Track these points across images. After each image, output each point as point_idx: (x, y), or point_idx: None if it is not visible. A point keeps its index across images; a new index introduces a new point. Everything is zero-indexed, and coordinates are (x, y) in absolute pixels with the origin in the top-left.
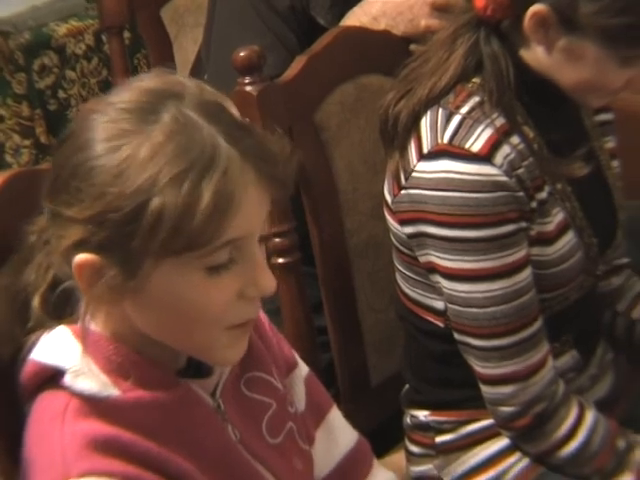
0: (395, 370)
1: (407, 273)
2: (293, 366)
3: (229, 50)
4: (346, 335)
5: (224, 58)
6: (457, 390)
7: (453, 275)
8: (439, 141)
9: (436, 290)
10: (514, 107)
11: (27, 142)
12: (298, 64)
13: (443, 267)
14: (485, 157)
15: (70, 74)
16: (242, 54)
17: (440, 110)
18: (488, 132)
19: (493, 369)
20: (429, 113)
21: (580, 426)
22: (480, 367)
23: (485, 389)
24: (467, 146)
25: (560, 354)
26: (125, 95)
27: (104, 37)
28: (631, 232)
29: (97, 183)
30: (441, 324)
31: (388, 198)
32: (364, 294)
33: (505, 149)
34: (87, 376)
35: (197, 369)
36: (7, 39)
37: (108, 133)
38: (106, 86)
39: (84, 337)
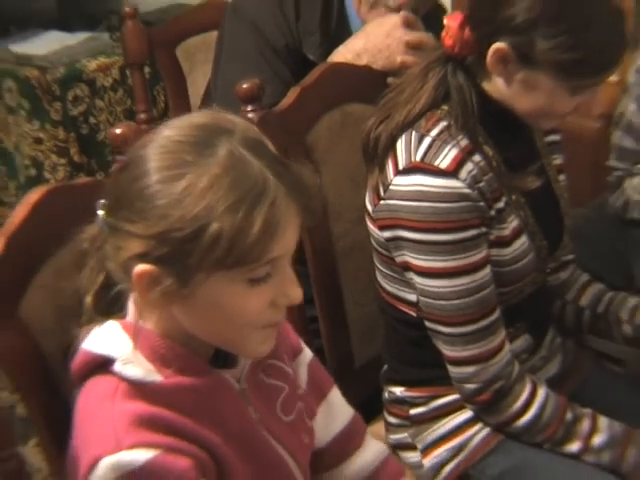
0: (375, 354)
1: (385, 271)
2: (298, 352)
3: (234, 82)
4: (334, 325)
5: (230, 89)
6: (428, 370)
7: (424, 272)
8: (412, 159)
9: (410, 285)
10: (477, 130)
11: (63, 161)
12: (292, 95)
13: (416, 266)
14: (452, 173)
15: (99, 103)
16: (245, 86)
17: (413, 133)
18: (454, 151)
19: (458, 352)
20: (404, 136)
21: (533, 401)
22: (447, 350)
23: (452, 369)
24: (436, 163)
25: (515, 338)
26: (180, 129)
27: (128, 72)
28: (575, 235)
29: (160, 205)
30: (414, 314)
31: (369, 208)
32: (349, 291)
33: (469, 166)
34: (135, 364)
35: (225, 359)
36: (45, 73)
37: (169, 162)
38: (130, 114)
39: (135, 332)
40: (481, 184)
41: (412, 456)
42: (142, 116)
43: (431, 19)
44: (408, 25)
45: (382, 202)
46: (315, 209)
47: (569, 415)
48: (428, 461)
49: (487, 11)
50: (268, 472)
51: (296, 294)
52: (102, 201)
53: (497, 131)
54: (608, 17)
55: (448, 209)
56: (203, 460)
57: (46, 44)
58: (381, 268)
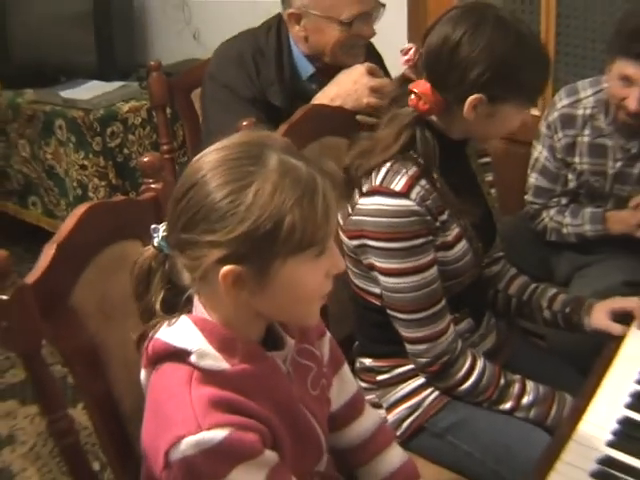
0: (348, 333)
1: (355, 270)
2: (323, 333)
3: (221, 128)
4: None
5: (214, 132)
6: (390, 345)
7: (385, 272)
8: (373, 184)
9: (375, 281)
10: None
11: (103, 183)
12: (282, 129)
13: (379, 267)
14: (404, 194)
15: (131, 137)
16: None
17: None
18: (405, 177)
19: (413, 333)
20: None
21: (473, 370)
22: (404, 332)
23: (408, 346)
24: (392, 187)
25: (459, 321)
26: (229, 149)
27: (153, 112)
28: (506, 237)
29: (237, 212)
30: (378, 303)
31: (340, 222)
32: None
33: (417, 188)
34: (206, 356)
35: (274, 342)
36: (88, 114)
37: (233, 176)
38: (155, 146)
39: (203, 325)
40: (428, 202)
41: (379, 413)
42: (165, 147)
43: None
44: (371, 73)
45: (350, 218)
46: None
47: (502, 380)
48: (391, 417)
49: (455, 77)
50: (303, 437)
51: (342, 264)
52: (156, 226)
53: (443, 160)
54: (540, 49)
55: (401, 223)
56: (264, 433)
57: (89, 91)
58: (352, 268)
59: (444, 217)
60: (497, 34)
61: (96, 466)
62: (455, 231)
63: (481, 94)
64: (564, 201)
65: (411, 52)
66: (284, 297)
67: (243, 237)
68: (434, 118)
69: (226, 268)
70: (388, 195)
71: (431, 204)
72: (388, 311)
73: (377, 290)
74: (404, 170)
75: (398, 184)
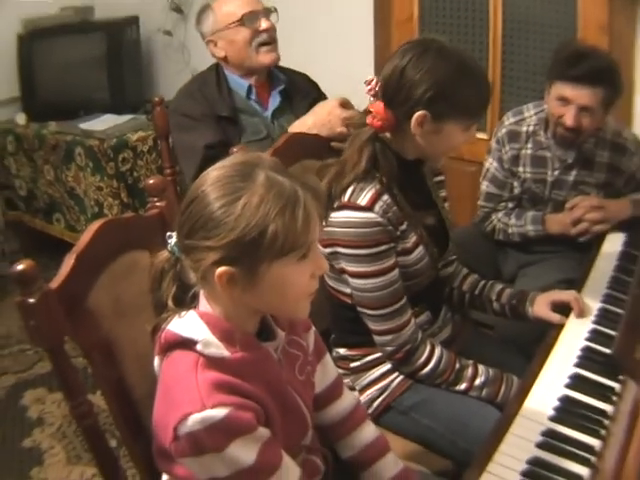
0: (325, 327)
1: (329, 273)
2: (309, 328)
3: (188, 147)
4: None
5: (186, 152)
6: (361, 337)
7: (354, 275)
8: (342, 200)
9: (345, 283)
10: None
11: (116, 202)
12: (268, 153)
13: (348, 270)
14: (368, 208)
15: (139, 162)
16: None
17: None
18: (370, 193)
19: (379, 326)
20: None
21: (432, 356)
22: (372, 325)
23: (375, 337)
24: (358, 201)
25: (419, 314)
26: (225, 169)
27: (158, 141)
28: (460, 242)
29: (228, 221)
30: (349, 301)
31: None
32: None
33: (380, 203)
34: (210, 345)
35: (267, 334)
36: (103, 143)
37: (225, 191)
38: (160, 169)
39: (208, 318)
40: (389, 214)
41: (354, 395)
42: (168, 171)
43: (303, 90)
44: (343, 106)
45: (324, 228)
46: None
47: (457, 365)
48: (363, 398)
49: (402, 95)
50: (291, 415)
51: (326, 265)
52: (170, 233)
53: (402, 178)
54: (480, 75)
55: (366, 232)
56: (259, 412)
57: (103, 123)
58: (327, 272)
59: (403, 227)
60: (440, 59)
61: (113, 443)
62: (413, 239)
63: (425, 111)
64: (510, 205)
65: (372, 83)
66: (273, 294)
67: (234, 243)
68: (388, 136)
69: (221, 269)
70: (355, 209)
71: (392, 216)
72: (358, 308)
73: (348, 290)
74: (368, 187)
75: (364, 199)
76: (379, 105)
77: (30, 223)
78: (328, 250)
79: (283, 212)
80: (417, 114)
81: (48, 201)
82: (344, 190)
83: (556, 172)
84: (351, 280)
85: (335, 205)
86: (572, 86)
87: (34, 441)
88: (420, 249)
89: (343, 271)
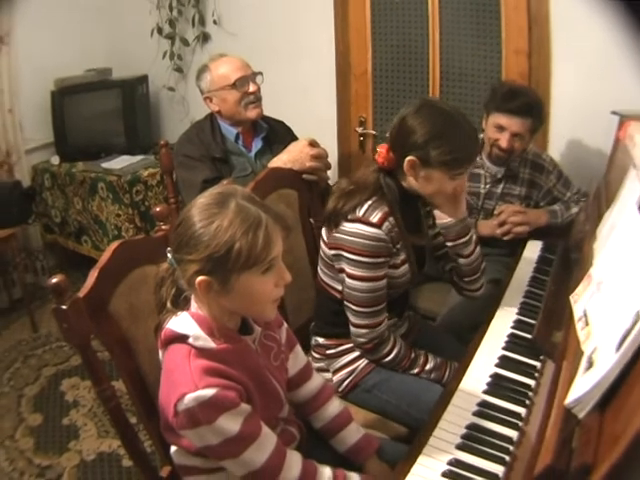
0: (304, 320)
1: (327, 271)
2: (281, 324)
3: (189, 183)
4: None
5: (189, 187)
6: (338, 329)
7: (351, 276)
8: (357, 214)
9: (339, 281)
10: (394, 207)
11: (131, 226)
12: (251, 186)
13: (347, 272)
14: (378, 225)
15: (150, 194)
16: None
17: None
18: (380, 214)
19: (358, 321)
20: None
21: (394, 348)
22: (352, 318)
23: (352, 329)
24: (370, 219)
25: (392, 317)
26: (206, 197)
27: (164, 176)
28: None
29: (204, 240)
30: (338, 296)
31: (324, 236)
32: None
33: (387, 223)
34: (199, 338)
35: (246, 329)
36: (120, 178)
37: (204, 215)
38: (166, 199)
39: (197, 318)
40: (392, 234)
41: (327, 375)
42: (172, 200)
43: (280, 135)
44: (312, 145)
45: (333, 234)
46: (289, 228)
47: (412, 354)
48: (335, 378)
49: (400, 140)
50: (269, 394)
51: (288, 277)
52: (169, 248)
53: (403, 206)
54: (468, 133)
55: (372, 245)
56: (241, 391)
57: (120, 162)
58: (324, 269)
59: (398, 246)
60: (434, 113)
61: (133, 420)
62: (402, 256)
63: (415, 156)
64: None
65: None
66: (242, 300)
67: (207, 257)
68: (395, 174)
69: (200, 278)
70: (367, 224)
71: (393, 235)
72: (345, 302)
73: (339, 287)
74: (380, 208)
75: (375, 217)
76: (384, 146)
77: (64, 244)
78: (333, 252)
79: (247, 233)
80: (408, 158)
81: (78, 226)
82: (358, 206)
83: (487, 186)
84: (347, 280)
85: (350, 217)
86: (507, 116)
87: (71, 420)
88: (406, 266)
89: (342, 271)
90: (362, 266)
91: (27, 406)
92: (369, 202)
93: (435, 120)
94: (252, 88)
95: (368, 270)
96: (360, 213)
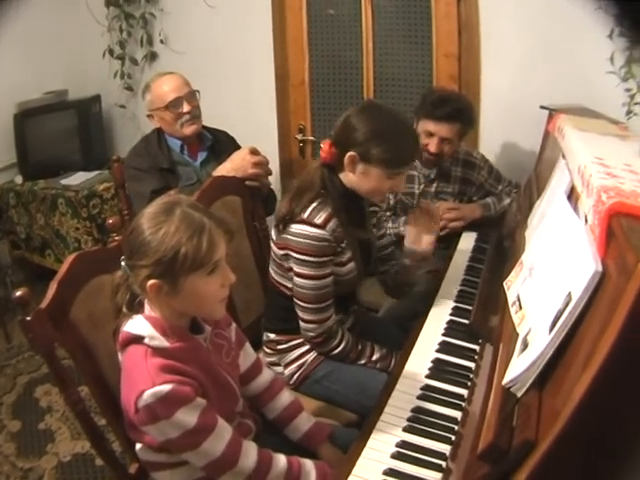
0: (254, 318)
1: (277, 270)
2: (230, 324)
3: (135, 192)
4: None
5: (137, 197)
6: (288, 324)
7: (298, 275)
8: (302, 216)
9: (289, 279)
10: (337, 205)
11: (90, 239)
12: (197, 195)
13: (295, 270)
14: (322, 226)
15: (105, 207)
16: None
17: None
18: (324, 215)
19: (307, 316)
20: None
21: (342, 342)
22: (302, 314)
23: (302, 324)
24: (314, 220)
25: (338, 312)
26: (154, 207)
27: (118, 190)
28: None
29: (153, 246)
30: (289, 293)
31: (274, 236)
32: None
33: (331, 224)
34: (154, 338)
35: (197, 329)
36: (78, 194)
37: (152, 223)
38: (120, 211)
39: (151, 319)
40: (335, 233)
41: (278, 369)
42: (125, 212)
43: (224, 144)
44: (253, 153)
45: (282, 235)
46: (231, 232)
47: (359, 346)
48: (287, 371)
49: (343, 136)
50: (223, 389)
51: (232, 277)
52: (123, 257)
53: (346, 204)
54: (410, 135)
55: (316, 245)
56: (195, 387)
57: (77, 179)
58: (275, 268)
59: (343, 245)
60: (377, 113)
61: (102, 421)
62: (347, 255)
63: (355, 152)
64: (387, 213)
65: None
66: (191, 300)
67: (157, 262)
68: (337, 170)
69: (150, 282)
70: (311, 225)
71: (337, 235)
72: (294, 300)
73: (289, 285)
74: (324, 209)
75: (319, 219)
76: (327, 142)
77: (30, 259)
78: (282, 252)
79: (192, 238)
80: (349, 153)
81: (41, 241)
82: (305, 208)
83: (421, 186)
84: (295, 278)
85: (296, 219)
86: (435, 123)
87: (46, 424)
88: (351, 264)
89: (290, 270)
90: (308, 265)
91: (7, 413)
92: (314, 204)
93: (379, 120)
94: (186, 108)
95: (314, 269)
96: (305, 215)
